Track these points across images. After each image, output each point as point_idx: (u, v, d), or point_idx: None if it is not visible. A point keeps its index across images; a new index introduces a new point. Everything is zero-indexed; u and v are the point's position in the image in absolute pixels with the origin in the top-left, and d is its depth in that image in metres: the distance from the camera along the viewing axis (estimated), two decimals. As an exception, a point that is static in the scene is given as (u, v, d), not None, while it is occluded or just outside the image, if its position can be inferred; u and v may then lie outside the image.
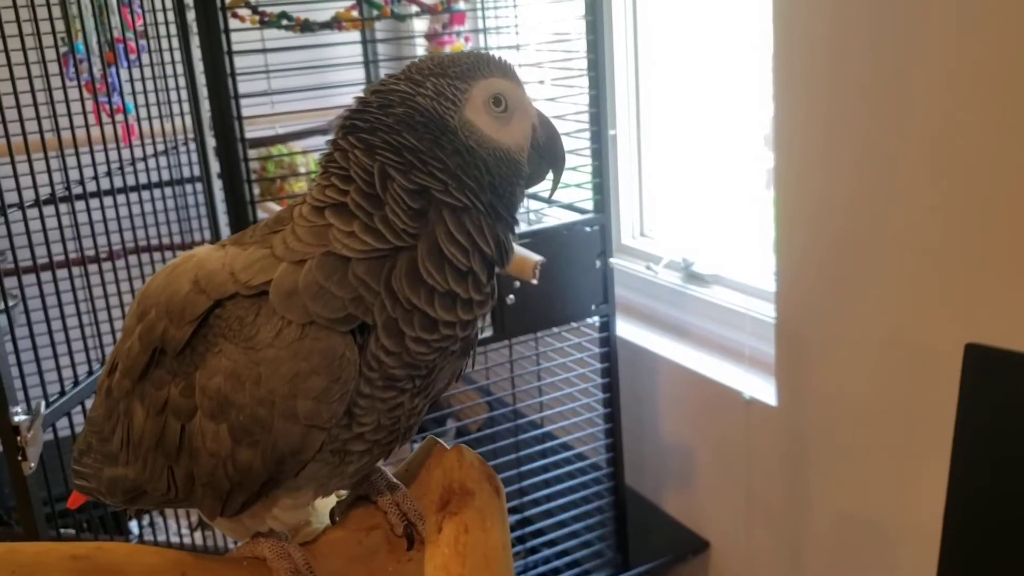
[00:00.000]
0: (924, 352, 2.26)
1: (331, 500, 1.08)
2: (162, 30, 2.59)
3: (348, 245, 0.87)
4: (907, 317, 2.29)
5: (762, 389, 2.80)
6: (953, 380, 1.71)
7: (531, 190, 1.01)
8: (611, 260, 2.77)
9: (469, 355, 1.02)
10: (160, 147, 2.55)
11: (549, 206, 2.83)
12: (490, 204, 0.90)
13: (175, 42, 2.59)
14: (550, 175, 1.01)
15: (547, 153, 0.98)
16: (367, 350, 0.88)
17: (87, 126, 2.13)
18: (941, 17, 2.08)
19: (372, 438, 0.94)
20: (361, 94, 0.94)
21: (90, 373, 2.05)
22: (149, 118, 2.45)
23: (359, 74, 3.24)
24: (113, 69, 2.35)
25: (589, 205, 2.75)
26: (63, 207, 1.99)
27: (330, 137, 0.94)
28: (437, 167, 0.88)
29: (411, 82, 0.91)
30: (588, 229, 2.71)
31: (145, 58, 2.50)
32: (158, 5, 2.58)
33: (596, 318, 2.85)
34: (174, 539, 2.71)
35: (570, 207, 2.81)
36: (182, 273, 0.93)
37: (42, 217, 1.92)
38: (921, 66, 2.14)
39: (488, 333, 2.66)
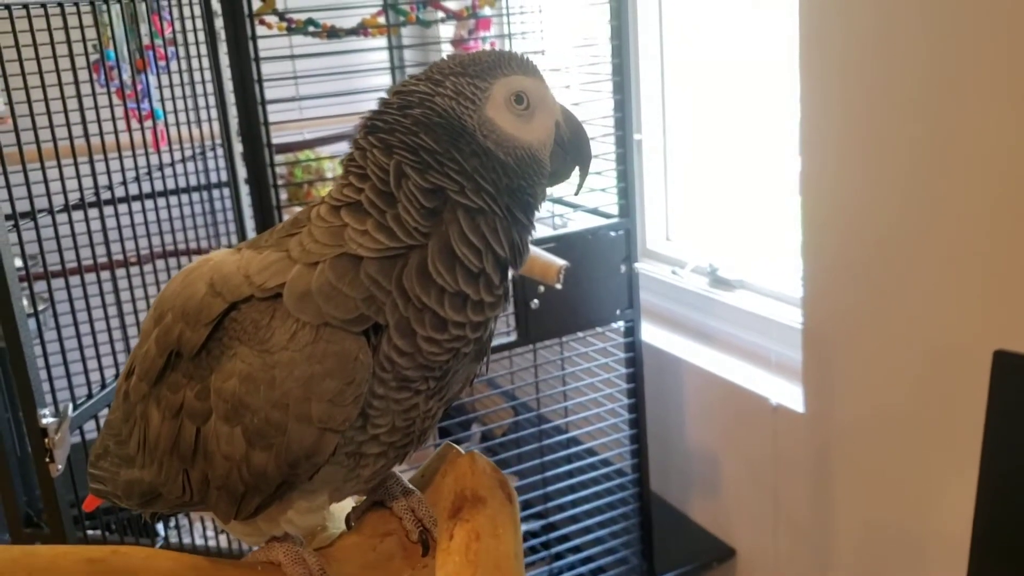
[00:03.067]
0: (953, 358, 2.22)
1: (347, 506, 1.08)
2: (191, 37, 2.62)
3: (362, 244, 0.87)
4: (936, 323, 2.26)
5: (789, 395, 2.77)
6: (982, 386, 1.68)
7: (557, 194, 0.99)
8: (636, 265, 2.76)
9: (483, 359, 1.02)
10: (188, 152, 2.57)
11: (574, 210, 2.83)
12: (507, 207, 0.90)
13: (204, 49, 2.61)
14: (576, 172, 1.00)
15: (572, 149, 0.97)
16: (380, 351, 0.88)
17: (117, 132, 2.15)
18: (966, 17, 2.05)
19: (387, 440, 0.94)
20: (385, 95, 0.94)
21: (117, 377, 2.07)
22: (178, 124, 2.47)
23: (385, 80, 3.26)
24: (143, 76, 2.38)
25: (614, 209, 2.74)
26: (92, 212, 2.02)
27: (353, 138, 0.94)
28: (454, 168, 0.88)
29: (431, 82, 0.91)
30: (613, 234, 2.71)
31: (174, 65, 2.53)
32: (187, 13, 2.61)
33: (621, 323, 2.84)
34: (199, 541, 2.73)
35: (595, 211, 2.80)
36: (198, 277, 0.94)
37: (71, 222, 1.94)
38: (948, 69, 2.11)
39: (512, 338, 2.66)
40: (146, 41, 2.35)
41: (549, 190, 0.97)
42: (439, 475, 1.03)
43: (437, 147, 0.88)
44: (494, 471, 0.98)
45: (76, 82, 2.04)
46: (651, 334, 3.19)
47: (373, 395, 0.90)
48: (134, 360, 0.99)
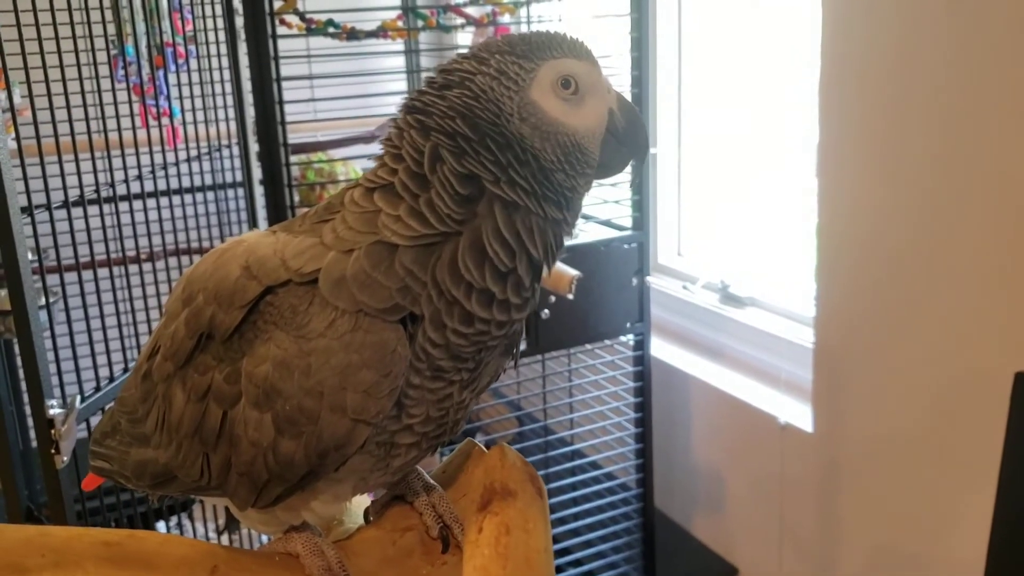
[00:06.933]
0: (970, 380, 2.20)
1: (365, 500, 1.07)
2: (211, 36, 2.62)
3: (395, 231, 0.85)
4: (953, 344, 2.24)
5: (798, 415, 2.76)
6: (1000, 409, 1.67)
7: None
8: (648, 278, 2.75)
9: (513, 353, 1.00)
10: (204, 150, 2.57)
11: (587, 221, 2.82)
12: (541, 203, 0.87)
13: (223, 48, 2.61)
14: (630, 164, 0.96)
15: (627, 139, 0.93)
16: (416, 341, 0.87)
17: (133, 128, 2.15)
18: (987, 41, 2.05)
19: (421, 430, 0.92)
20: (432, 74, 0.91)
21: (125, 371, 2.06)
22: (195, 122, 2.47)
23: (402, 85, 3.26)
24: (161, 73, 2.37)
25: (628, 222, 2.73)
26: (106, 207, 2.01)
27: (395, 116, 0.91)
28: (488, 158, 0.85)
29: (476, 60, 0.89)
30: (626, 246, 2.70)
31: (193, 63, 2.53)
32: (207, 11, 2.61)
33: (630, 336, 2.82)
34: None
35: (608, 224, 2.79)
36: (232, 258, 0.92)
37: (86, 216, 1.94)
38: (966, 91, 2.11)
39: (522, 347, 2.65)
40: (166, 38, 2.35)
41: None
42: (462, 471, 1.01)
43: (472, 134, 0.85)
44: (524, 464, 0.96)
45: (95, 76, 2.04)
46: (660, 349, 3.18)
47: (409, 385, 0.88)
48: (158, 339, 0.97)
